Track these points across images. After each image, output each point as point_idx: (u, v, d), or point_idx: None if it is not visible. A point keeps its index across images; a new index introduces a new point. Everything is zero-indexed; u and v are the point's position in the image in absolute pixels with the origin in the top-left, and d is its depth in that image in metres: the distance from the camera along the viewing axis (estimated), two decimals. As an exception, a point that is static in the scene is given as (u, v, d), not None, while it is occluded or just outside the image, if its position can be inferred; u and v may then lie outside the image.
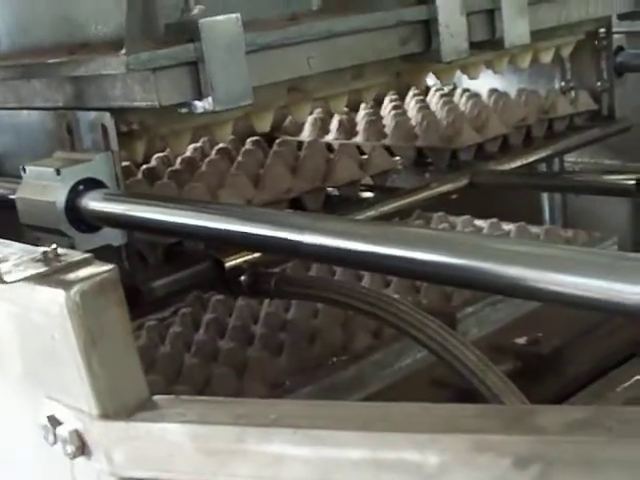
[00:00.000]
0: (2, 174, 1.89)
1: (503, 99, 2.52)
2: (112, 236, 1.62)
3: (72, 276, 1.03)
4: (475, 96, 2.60)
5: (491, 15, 1.96)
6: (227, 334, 2.15)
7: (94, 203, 1.55)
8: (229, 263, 1.75)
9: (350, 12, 1.78)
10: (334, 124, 2.58)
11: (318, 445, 0.92)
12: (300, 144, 2.36)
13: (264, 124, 1.87)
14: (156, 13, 1.58)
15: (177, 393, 1.81)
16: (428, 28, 1.84)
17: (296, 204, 2.03)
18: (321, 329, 2.11)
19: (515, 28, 1.98)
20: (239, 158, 2.22)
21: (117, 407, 1.03)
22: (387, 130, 2.51)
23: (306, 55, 1.68)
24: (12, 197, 1.69)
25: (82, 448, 1.05)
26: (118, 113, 1.61)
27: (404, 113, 2.59)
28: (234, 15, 1.53)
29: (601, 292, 0.91)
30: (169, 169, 2.20)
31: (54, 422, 1.07)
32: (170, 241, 1.77)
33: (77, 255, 1.07)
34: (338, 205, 2.08)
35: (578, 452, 0.84)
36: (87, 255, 1.07)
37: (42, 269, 1.05)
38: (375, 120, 2.56)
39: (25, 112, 1.85)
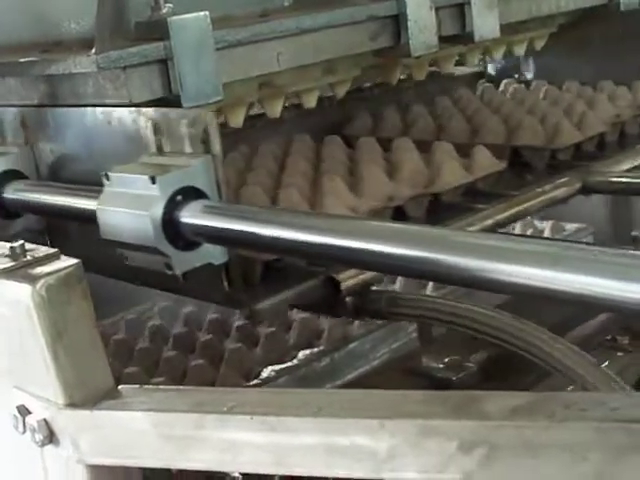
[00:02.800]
0: (60, 179, 1.71)
1: (588, 93, 2.42)
2: (213, 254, 1.38)
3: (38, 271, 1.06)
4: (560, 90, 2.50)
5: (461, 9, 1.98)
6: (204, 327, 2.19)
7: (194, 216, 1.31)
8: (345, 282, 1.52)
9: (321, 8, 1.81)
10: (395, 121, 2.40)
11: (273, 431, 0.96)
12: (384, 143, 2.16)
13: (237, 119, 1.89)
14: (127, 12, 1.61)
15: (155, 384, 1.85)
16: (397, 23, 1.87)
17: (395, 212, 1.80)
18: (297, 319, 2.14)
19: (485, 22, 2.01)
20: (323, 160, 2.06)
21: (83, 396, 1.07)
22: (467, 128, 2.31)
23: (275, 51, 1.71)
24: (88, 208, 1.47)
25: (50, 436, 1.09)
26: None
27: (484, 109, 2.44)
28: (203, 13, 1.55)
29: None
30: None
31: (23, 412, 1.11)
32: (270, 257, 1.52)
33: (44, 250, 1.11)
34: (446, 213, 1.82)
35: (521, 436, 0.88)
36: (53, 250, 1.10)
37: (9, 264, 1.09)
38: (450, 117, 2.39)
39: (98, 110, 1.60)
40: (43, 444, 1.09)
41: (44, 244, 1.53)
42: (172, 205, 1.32)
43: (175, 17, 1.52)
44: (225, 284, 1.44)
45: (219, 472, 1.35)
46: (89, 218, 1.43)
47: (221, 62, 1.59)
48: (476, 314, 1.47)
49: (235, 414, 0.98)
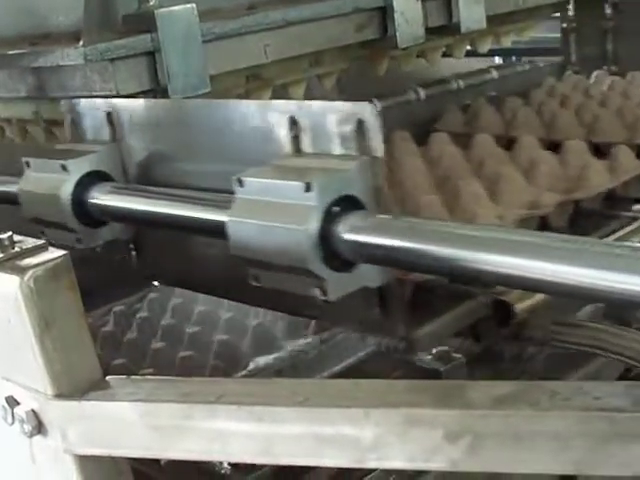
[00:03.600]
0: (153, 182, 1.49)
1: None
2: (370, 276, 1.15)
3: (26, 262, 1.07)
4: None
5: (447, 1, 2.00)
6: (192, 318, 2.19)
7: (356, 231, 1.07)
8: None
9: (308, 0, 1.82)
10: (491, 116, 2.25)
11: (260, 420, 0.97)
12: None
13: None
14: (114, 4, 1.62)
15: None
16: (384, 15, 1.88)
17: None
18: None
19: (471, 13, 2.02)
20: (439, 160, 1.89)
21: (71, 387, 1.07)
22: (577, 124, 2.14)
23: (262, 43, 1.72)
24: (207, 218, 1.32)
25: (39, 427, 1.09)
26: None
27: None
28: (190, 5, 1.57)
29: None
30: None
31: (12, 402, 1.11)
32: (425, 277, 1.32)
33: (32, 242, 1.11)
34: (587, 222, 1.61)
35: (506, 425, 0.89)
36: (41, 242, 1.10)
37: (-2, 256, 1.09)
38: (554, 112, 2.21)
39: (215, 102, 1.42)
40: (32, 434, 1.10)
41: (129, 256, 1.50)
42: (329, 218, 1.08)
43: (162, 9, 1.54)
44: (377, 310, 1.21)
45: (208, 462, 1.36)
46: (201, 229, 1.28)
47: (208, 54, 1.60)
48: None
49: (223, 404, 0.99)
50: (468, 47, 2.35)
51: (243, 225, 1.14)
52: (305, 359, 2.00)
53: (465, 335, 1.43)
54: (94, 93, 1.59)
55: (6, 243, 1.11)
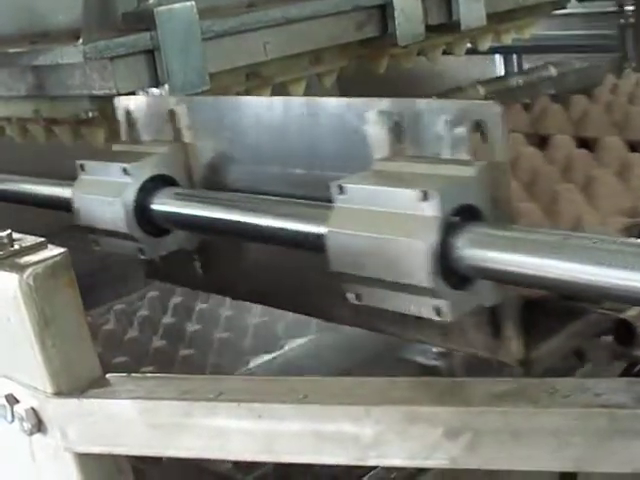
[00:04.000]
0: (223, 186, 1.39)
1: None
2: (485, 294, 1.04)
3: (25, 260, 1.07)
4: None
5: (448, -1, 1.99)
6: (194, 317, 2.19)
7: (476, 245, 0.97)
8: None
9: (308, -3, 1.82)
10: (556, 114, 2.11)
11: (260, 418, 0.97)
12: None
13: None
14: (114, 2, 1.61)
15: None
16: (384, 12, 1.87)
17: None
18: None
19: (471, 11, 2.01)
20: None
21: (70, 385, 1.07)
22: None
23: (262, 41, 1.71)
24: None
25: (38, 425, 1.09)
26: (79, 101, 1.64)
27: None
28: (189, 3, 1.56)
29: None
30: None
31: (11, 400, 1.11)
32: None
33: (32, 239, 1.11)
34: None
35: (506, 422, 0.89)
36: (41, 239, 1.10)
37: (-3, 254, 1.09)
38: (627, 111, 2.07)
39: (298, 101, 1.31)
40: (31, 433, 1.09)
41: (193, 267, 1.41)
42: (450, 230, 0.98)
43: (162, 7, 1.53)
44: (488, 329, 1.11)
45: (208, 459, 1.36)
46: (289, 240, 1.16)
47: (208, 52, 1.60)
48: None
49: (222, 401, 0.99)
50: (468, 45, 2.34)
51: (346, 237, 1.04)
52: (306, 357, 2.01)
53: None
54: (93, 92, 1.58)
55: (5, 241, 1.11)
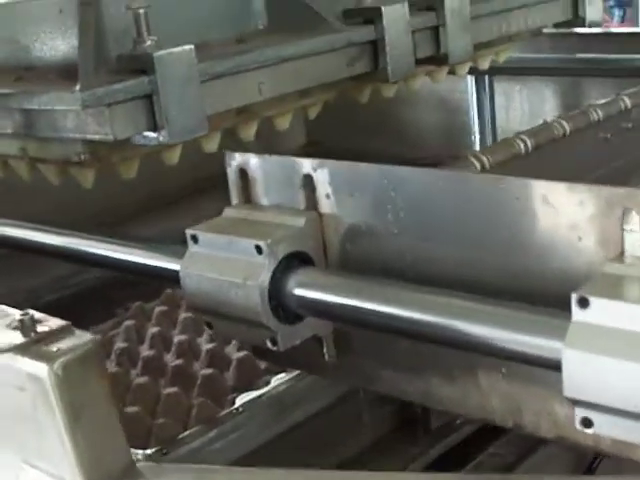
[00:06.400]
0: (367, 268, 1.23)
1: None
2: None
3: (53, 347, 1.02)
4: None
5: (436, 31, 1.97)
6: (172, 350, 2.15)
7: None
8: None
9: (296, 31, 1.78)
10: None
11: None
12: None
13: (212, 145, 1.85)
14: (108, 43, 1.57)
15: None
16: (375, 48, 1.85)
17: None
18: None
19: (459, 43, 2.00)
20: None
21: (100, 475, 1.03)
22: None
23: (257, 81, 1.68)
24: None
25: (65, 515, 1.05)
26: (71, 144, 1.59)
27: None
28: (188, 47, 1.52)
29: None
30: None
31: (33, 488, 1.07)
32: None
33: (55, 323, 1.07)
34: None
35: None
36: (65, 323, 1.06)
37: (21, 339, 1.04)
38: None
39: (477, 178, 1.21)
40: (57, 522, 1.06)
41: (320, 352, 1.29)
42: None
43: (161, 52, 1.49)
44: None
45: None
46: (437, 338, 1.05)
47: (204, 95, 1.56)
48: None
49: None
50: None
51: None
52: (292, 393, 1.97)
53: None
54: (88, 136, 1.53)
55: (27, 323, 1.06)
